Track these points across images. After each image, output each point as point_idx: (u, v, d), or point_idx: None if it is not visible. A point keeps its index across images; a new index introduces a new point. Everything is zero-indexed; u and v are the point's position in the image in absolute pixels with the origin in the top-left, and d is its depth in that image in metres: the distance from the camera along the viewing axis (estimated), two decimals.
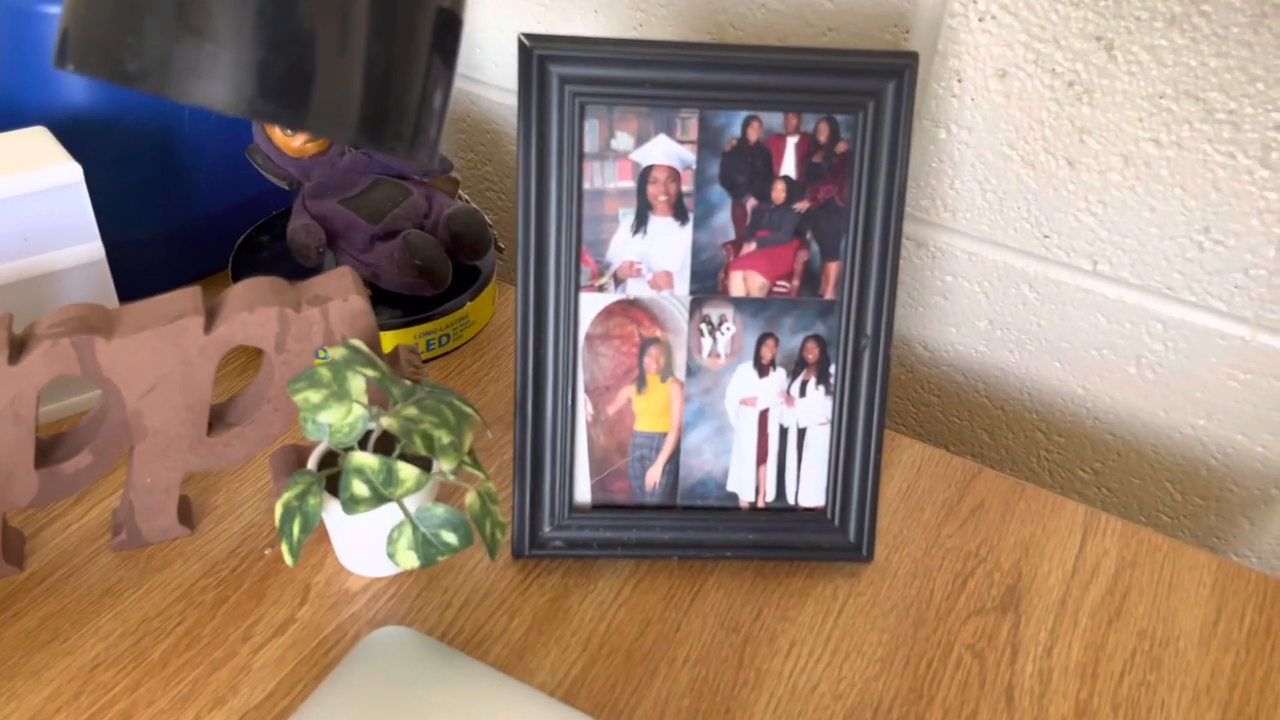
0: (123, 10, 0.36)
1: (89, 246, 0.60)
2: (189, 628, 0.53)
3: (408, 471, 0.48)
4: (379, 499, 0.48)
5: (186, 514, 0.58)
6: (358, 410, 0.49)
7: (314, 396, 0.48)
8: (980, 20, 0.67)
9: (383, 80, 0.40)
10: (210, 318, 0.52)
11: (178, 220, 0.72)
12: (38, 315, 0.61)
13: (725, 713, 0.51)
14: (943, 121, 0.71)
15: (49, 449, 0.53)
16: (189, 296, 0.52)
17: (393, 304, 0.71)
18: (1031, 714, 0.53)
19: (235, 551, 0.58)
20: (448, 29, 0.42)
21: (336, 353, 0.49)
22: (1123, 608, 0.59)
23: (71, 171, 0.58)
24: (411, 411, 0.48)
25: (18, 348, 0.49)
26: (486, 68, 0.88)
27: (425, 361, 0.72)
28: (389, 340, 0.69)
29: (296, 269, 0.72)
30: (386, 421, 0.48)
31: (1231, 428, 0.71)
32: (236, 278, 0.72)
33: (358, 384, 0.49)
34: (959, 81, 0.69)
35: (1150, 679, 0.55)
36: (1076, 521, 0.64)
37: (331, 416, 0.48)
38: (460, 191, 0.78)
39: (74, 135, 0.65)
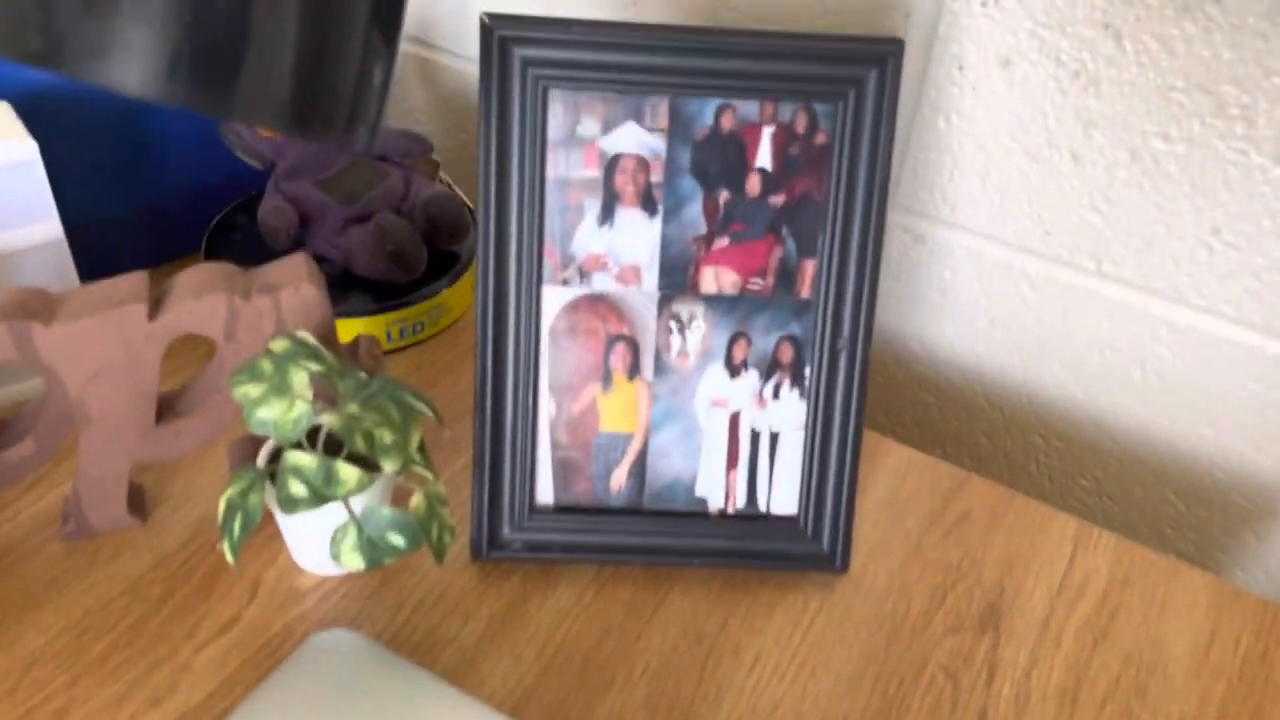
0: None
1: (46, 226, 0.59)
2: (133, 623, 0.52)
3: (348, 472, 0.46)
4: (319, 499, 0.46)
5: (138, 504, 0.57)
6: (300, 406, 0.47)
7: (253, 391, 0.46)
8: (983, 5, 0.63)
9: (313, 60, 0.38)
10: (156, 305, 0.50)
11: (146, 200, 0.70)
12: None
13: None
14: (943, 110, 0.68)
15: None
16: (134, 282, 0.50)
17: (366, 290, 0.69)
18: None
19: (187, 544, 0.56)
20: (388, 3, 0.39)
21: (279, 345, 0.47)
22: (1110, 629, 0.56)
23: (27, 149, 0.57)
24: (353, 409, 0.46)
25: None
26: (470, 40, 0.85)
27: (399, 350, 0.70)
28: (360, 327, 0.67)
29: (273, 252, 0.70)
30: (329, 419, 0.46)
31: (1238, 438, 0.68)
32: (210, 261, 0.70)
33: (300, 378, 0.47)
34: (960, 69, 0.66)
35: (1135, 707, 0.52)
36: (1067, 535, 0.61)
37: (272, 412, 0.46)
38: (441, 174, 0.76)
39: (36, 110, 0.64)
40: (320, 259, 0.70)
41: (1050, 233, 0.68)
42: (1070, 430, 0.74)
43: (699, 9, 0.73)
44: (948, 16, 0.65)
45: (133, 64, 0.35)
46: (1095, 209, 0.66)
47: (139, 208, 0.70)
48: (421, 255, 0.67)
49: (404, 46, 0.90)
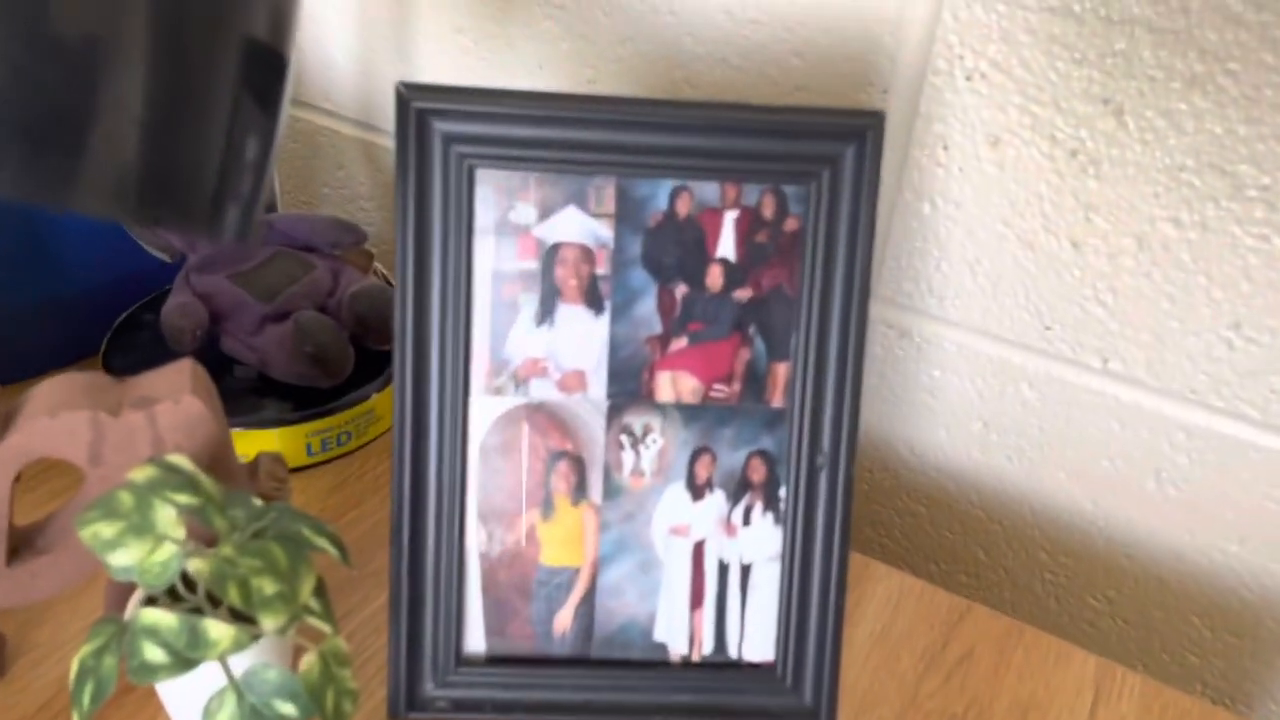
0: None
1: None
2: None
3: (220, 631, 0.37)
4: (184, 664, 0.37)
5: None
6: (168, 548, 0.38)
7: (107, 531, 0.38)
8: (968, 79, 0.57)
9: (163, 132, 0.30)
10: (4, 424, 0.42)
11: (39, 295, 0.62)
12: None
13: None
14: (926, 194, 0.62)
15: None
16: None
17: (285, 396, 0.61)
18: None
19: (49, 704, 0.47)
20: (261, 66, 0.32)
21: (142, 474, 0.39)
22: None
23: None
24: (228, 552, 0.38)
25: None
26: None
27: (322, 463, 0.61)
28: (276, 439, 0.59)
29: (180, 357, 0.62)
30: (195, 566, 0.37)
31: (1269, 556, 0.60)
32: (108, 365, 0.62)
33: (166, 515, 0.38)
34: (944, 149, 0.60)
35: None
36: (1087, 677, 0.53)
37: (130, 557, 0.38)
38: (377, 266, 0.69)
39: None
40: (235, 362, 0.62)
41: (1050, 327, 0.61)
42: (1078, 545, 0.66)
43: (658, 86, 0.67)
44: (929, 92, 0.59)
45: None
46: (1100, 301, 0.59)
47: (30, 304, 0.62)
48: (346, 357, 0.60)
49: (347, 130, 0.84)
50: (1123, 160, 0.55)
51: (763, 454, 0.46)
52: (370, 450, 0.63)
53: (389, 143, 0.82)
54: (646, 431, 0.46)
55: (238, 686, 0.40)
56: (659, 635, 0.47)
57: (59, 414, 0.41)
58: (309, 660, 0.39)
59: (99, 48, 0.29)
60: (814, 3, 0.60)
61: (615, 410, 0.46)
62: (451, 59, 0.74)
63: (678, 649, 0.48)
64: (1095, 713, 0.51)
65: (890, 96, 0.60)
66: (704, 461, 0.46)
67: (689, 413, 0.46)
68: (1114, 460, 0.63)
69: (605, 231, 0.44)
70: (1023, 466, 0.66)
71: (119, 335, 0.64)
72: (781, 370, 0.46)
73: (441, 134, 0.42)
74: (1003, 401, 0.65)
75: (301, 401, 0.60)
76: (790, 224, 0.44)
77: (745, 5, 0.62)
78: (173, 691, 0.44)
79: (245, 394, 0.61)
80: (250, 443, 0.59)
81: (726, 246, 0.44)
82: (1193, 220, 0.54)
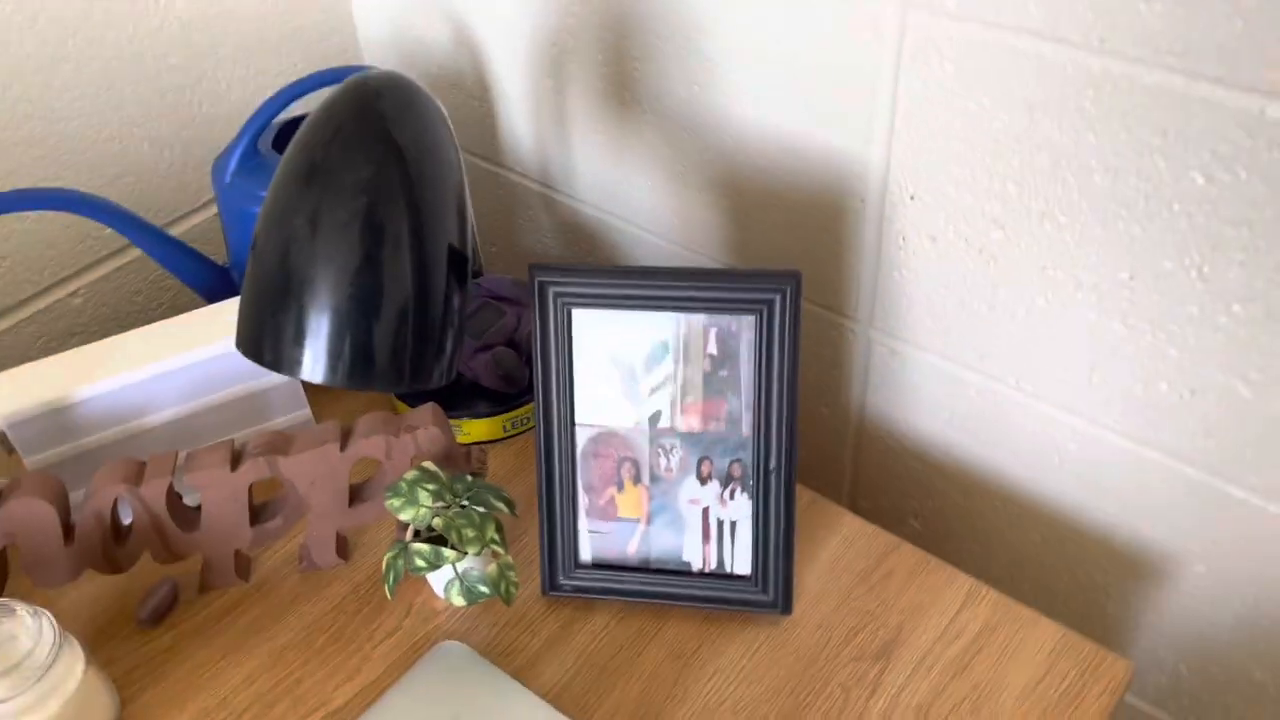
0: (264, 328, 0.68)
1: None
2: (340, 628, 0.86)
3: (449, 554, 0.77)
4: (434, 566, 0.78)
5: (344, 550, 0.91)
6: (424, 512, 0.78)
7: (395, 503, 0.78)
8: (911, 198, 0.86)
9: (425, 338, 0.69)
10: (344, 441, 0.83)
11: None
12: (256, 420, 0.95)
13: (656, 716, 0.78)
14: (896, 266, 0.91)
15: (258, 514, 0.87)
16: (331, 429, 0.83)
17: (490, 397, 1.00)
18: None
19: (371, 577, 0.90)
20: (457, 269, 0.70)
21: (410, 476, 0.79)
22: (970, 664, 0.79)
23: None
24: (450, 515, 0.77)
25: (235, 460, 0.82)
26: (577, 184, 1.15)
27: (512, 437, 1.01)
28: (485, 425, 0.98)
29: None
30: (436, 523, 0.77)
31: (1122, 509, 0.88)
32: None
33: (423, 494, 0.78)
34: (903, 240, 0.89)
35: None
36: (961, 592, 0.84)
37: (407, 515, 0.78)
38: None
39: None
40: (462, 375, 1.02)
41: (984, 356, 0.90)
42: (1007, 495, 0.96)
43: (716, 179, 0.98)
44: (889, 204, 0.88)
45: (318, 368, 0.67)
46: (1011, 337, 0.87)
47: None
48: (524, 375, 0.98)
49: (532, 186, 1.20)
50: (1009, 258, 0.82)
51: (739, 461, 0.80)
52: None
53: (560, 196, 1.17)
54: (672, 448, 0.81)
55: (460, 577, 0.80)
56: (686, 557, 0.84)
57: (370, 438, 0.82)
58: (491, 567, 0.79)
59: (388, 287, 0.68)
60: (815, 158, 0.89)
61: (654, 435, 0.81)
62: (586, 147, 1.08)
63: (696, 565, 0.84)
64: (959, 614, 0.83)
65: (866, 204, 0.89)
66: (705, 464, 0.81)
67: (696, 437, 0.80)
68: (1031, 442, 0.91)
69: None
70: (976, 442, 0.95)
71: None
72: (748, 416, 0.79)
73: (554, 293, 0.78)
74: (957, 400, 0.94)
75: (500, 401, 0.99)
76: (747, 335, 0.77)
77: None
78: (431, 577, 0.85)
79: (468, 395, 1.00)
80: (473, 427, 0.99)
81: (712, 347, 0.78)
82: (1055, 301, 0.81)
